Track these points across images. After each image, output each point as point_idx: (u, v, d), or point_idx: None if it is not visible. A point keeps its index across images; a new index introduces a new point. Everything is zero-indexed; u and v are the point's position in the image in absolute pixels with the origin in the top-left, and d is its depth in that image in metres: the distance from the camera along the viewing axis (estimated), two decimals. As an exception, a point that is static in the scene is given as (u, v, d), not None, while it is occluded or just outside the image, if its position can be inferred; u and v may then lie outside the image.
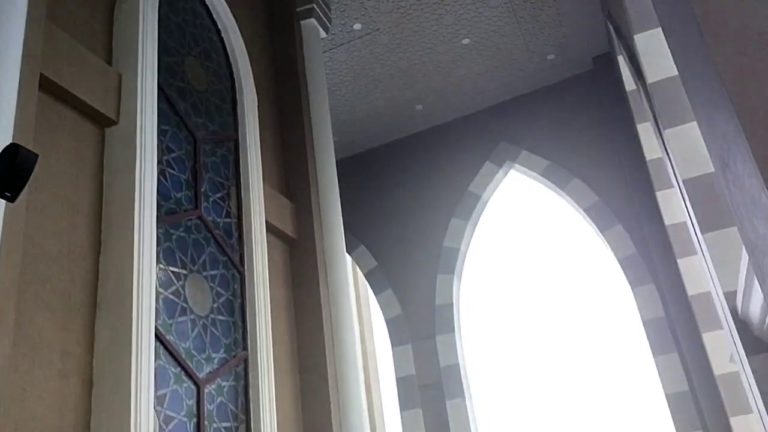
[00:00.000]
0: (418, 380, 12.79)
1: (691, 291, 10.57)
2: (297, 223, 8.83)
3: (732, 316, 6.38)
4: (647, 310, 11.49)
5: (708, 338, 10.28)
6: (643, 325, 11.48)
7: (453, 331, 12.89)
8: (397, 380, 13.02)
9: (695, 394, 10.69)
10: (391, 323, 13.35)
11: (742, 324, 6.29)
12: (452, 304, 13.08)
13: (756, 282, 5.35)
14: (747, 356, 6.20)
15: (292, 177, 9.20)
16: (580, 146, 12.89)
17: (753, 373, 6.13)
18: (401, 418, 12.72)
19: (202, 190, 6.98)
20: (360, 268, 14.06)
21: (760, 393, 6.03)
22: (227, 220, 7.28)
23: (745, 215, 2.61)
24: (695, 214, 6.75)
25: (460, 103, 13.64)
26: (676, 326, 11.09)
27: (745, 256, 5.29)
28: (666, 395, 11.04)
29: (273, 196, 8.46)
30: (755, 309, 5.74)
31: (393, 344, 13.25)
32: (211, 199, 7.12)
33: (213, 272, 6.75)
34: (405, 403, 12.73)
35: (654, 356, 11.28)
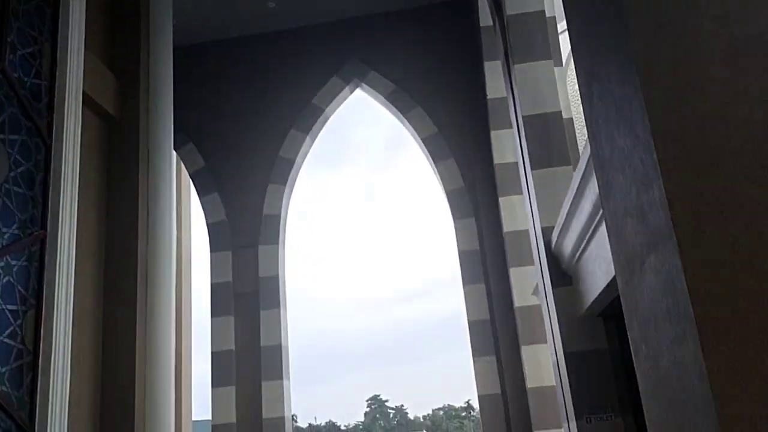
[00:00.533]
0: (235, 288, 12.49)
1: (507, 228, 11.20)
2: (120, 102, 7.94)
3: (545, 250, 6.77)
4: (464, 242, 12.04)
5: (514, 272, 11.01)
6: (459, 256, 12.04)
7: (277, 242, 12.65)
8: (213, 286, 12.61)
9: (494, 323, 11.49)
10: (213, 228, 12.80)
11: (554, 258, 6.70)
12: (280, 215, 12.80)
13: (575, 218, 5.64)
14: (553, 288, 6.64)
15: (120, 49, 8.21)
16: (428, 76, 12.92)
17: (555, 303, 6.59)
18: (212, 324, 12.39)
19: (9, 39, 5.94)
20: (186, 166, 13.22)
21: (558, 320, 6.51)
22: (36, 81, 6.29)
23: (604, 129, 2.56)
24: (529, 150, 6.99)
25: (315, 8, 13.01)
26: (487, 259, 11.75)
27: (571, 192, 5.53)
28: (469, 322, 11.76)
29: (95, 66, 7.49)
30: (569, 243, 6.10)
31: (213, 249, 12.75)
32: (19, 52, 6.09)
33: (12, 137, 5.84)
34: (218, 310, 12.40)
35: (464, 285, 11.92)
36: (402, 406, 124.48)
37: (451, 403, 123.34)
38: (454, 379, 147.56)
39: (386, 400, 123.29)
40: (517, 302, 10.85)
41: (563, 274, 6.62)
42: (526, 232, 11.05)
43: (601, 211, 5.11)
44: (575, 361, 6.36)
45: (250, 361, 12.05)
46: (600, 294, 5.68)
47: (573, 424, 6.33)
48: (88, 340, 7.33)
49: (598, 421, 6.17)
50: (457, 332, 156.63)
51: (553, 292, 6.62)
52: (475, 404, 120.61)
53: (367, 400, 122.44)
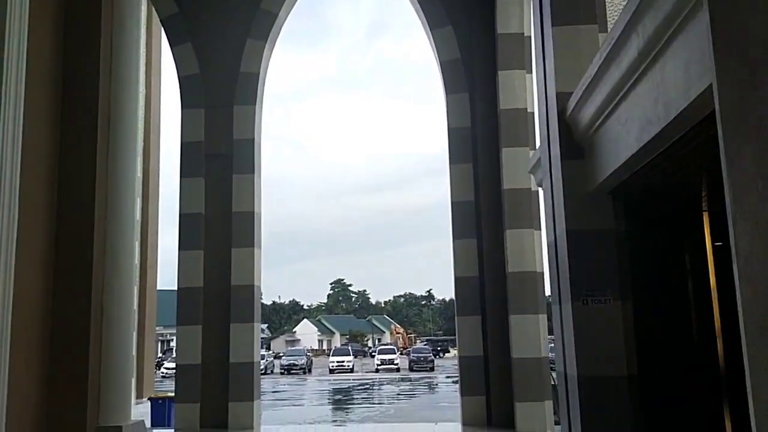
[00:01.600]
0: (206, 148, 11.70)
1: (503, 105, 10.47)
2: None
3: (558, 119, 6.11)
4: (456, 118, 11.31)
5: (506, 153, 10.41)
6: (448, 133, 11.36)
7: (254, 103, 11.76)
8: (183, 145, 11.79)
9: (478, 205, 11.01)
10: (185, 82, 11.79)
11: (566, 128, 6.05)
12: (259, 74, 11.82)
13: (607, 76, 4.94)
14: (562, 161, 6.04)
15: None
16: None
17: (563, 178, 6.01)
18: (181, 185, 11.69)
19: None
20: (157, 11, 11.98)
21: (564, 196, 5.96)
22: None
23: None
24: (551, 3, 6.16)
25: None
26: (478, 139, 11.10)
27: (606, 45, 4.80)
28: (452, 203, 11.26)
29: None
30: (591, 109, 5.44)
31: (184, 105, 11.81)
32: None
33: None
34: (188, 170, 11.66)
35: (450, 164, 11.32)
36: (365, 291, 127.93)
37: (412, 291, 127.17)
38: (417, 269, 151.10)
39: (350, 285, 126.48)
40: (506, 184, 10.33)
41: (576, 146, 6.00)
42: (524, 110, 10.35)
43: (643, 65, 4.42)
44: (577, 240, 5.87)
45: (221, 226, 11.48)
46: (620, 167, 5.10)
47: (567, 306, 5.94)
48: (40, 186, 6.61)
49: (595, 303, 5.77)
50: (424, 224, 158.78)
51: (562, 166, 6.03)
52: (437, 294, 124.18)
53: (330, 284, 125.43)
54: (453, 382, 33.30)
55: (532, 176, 9.26)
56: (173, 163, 12.63)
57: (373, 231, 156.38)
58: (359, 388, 30.93)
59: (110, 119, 6.97)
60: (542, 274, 10.27)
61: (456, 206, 11.25)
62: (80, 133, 6.79)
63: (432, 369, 45.06)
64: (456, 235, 11.21)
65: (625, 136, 4.86)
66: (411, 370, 44.96)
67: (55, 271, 6.44)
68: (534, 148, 10.35)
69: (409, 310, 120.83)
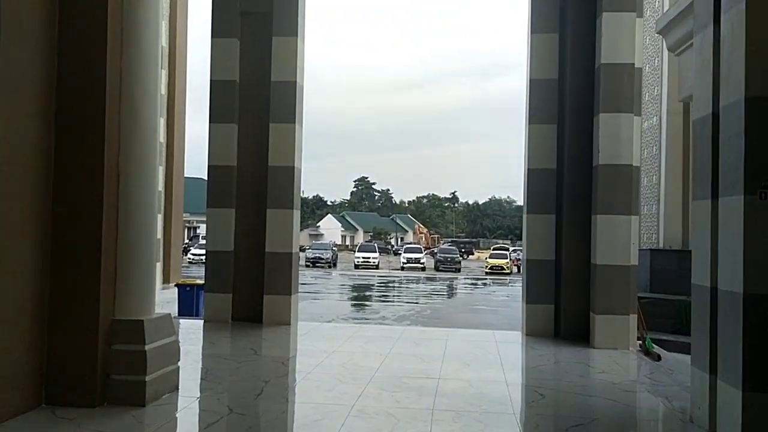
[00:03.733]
0: (242, 4, 9.96)
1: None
2: None
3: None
4: (541, -22, 9.34)
5: (607, 19, 8.56)
6: (531, -4, 9.45)
7: (299, -49, 9.85)
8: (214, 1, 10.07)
9: (563, 84, 9.28)
10: None
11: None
12: None
13: None
14: (749, -3, 4.32)
15: None
16: None
17: (747, 22, 4.32)
18: (212, 46, 10.04)
19: None
20: None
21: (746, 50, 4.29)
22: None
23: None
24: None
25: None
26: (569, 1, 9.22)
27: None
28: (530, 81, 9.54)
29: None
30: None
31: (216, -49, 9.95)
32: None
33: None
34: (220, 29, 9.97)
35: (531, 33, 9.52)
36: (388, 190, 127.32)
37: (435, 193, 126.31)
38: (442, 172, 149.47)
39: (373, 183, 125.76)
40: (604, 57, 8.53)
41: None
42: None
43: None
44: (761, 111, 4.26)
45: (258, 97, 9.91)
46: None
47: (730, 200, 4.41)
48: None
49: (778, 198, 4.22)
50: (452, 126, 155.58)
51: (747, 4, 4.31)
52: (461, 197, 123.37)
53: (354, 181, 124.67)
54: (490, 284, 32.52)
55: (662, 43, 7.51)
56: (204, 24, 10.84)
57: (400, 130, 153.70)
58: (388, 285, 30.23)
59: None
60: (638, 168, 8.67)
61: (535, 85, 9.53)
62: None
63: (458, 270, 44.42)
64: (532, 119, 9.55)
65: None
66: (437, 270, 44.35)
67: (56, 122, 4.99)
68: (644, 16, 8.50)
69: (432, 211, 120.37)
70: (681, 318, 10.61)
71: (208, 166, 10.05)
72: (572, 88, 9.13)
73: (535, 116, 9.54)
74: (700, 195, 5.04)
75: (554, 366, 7.27)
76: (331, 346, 8.06)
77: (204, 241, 14.03)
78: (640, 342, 8.53)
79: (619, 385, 6.36)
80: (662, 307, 8.52)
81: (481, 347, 8.45)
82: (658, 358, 8.04)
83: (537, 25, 9.51)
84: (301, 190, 10.50)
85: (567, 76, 9.22)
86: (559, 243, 9.32)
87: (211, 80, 10.09)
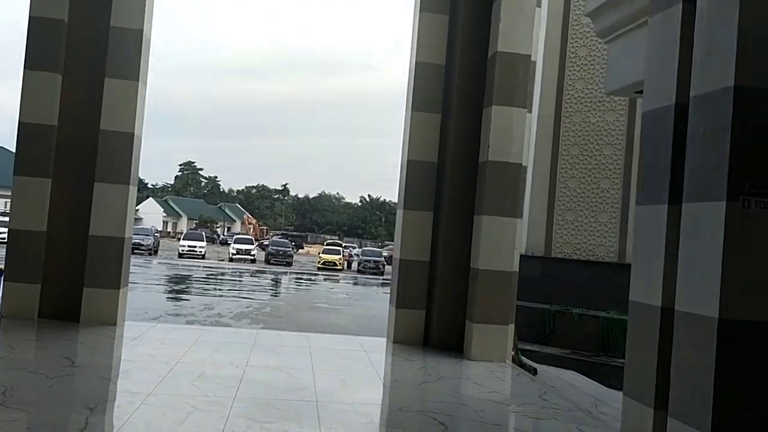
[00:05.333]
0: (79, -74, 7.99)
1: (514, -62, 7.80)
2: None
3: None
4: (435, -48, 8.49)
5: (506, 3, 7.89)
6: (423, -30, 8.55)
7: None
8: None
9: (451, 71, 8.49)
10: None
11: None
12: None
13: None
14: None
15: None
16: None
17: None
18: (34, -27, 7.96)
19: None
20: None
21: (739, 29, 3.62)
22: None
23: None
24: None
25: None
26: (462, -16, 8.43)
27: None
28: (416, 64, 8.65)
29: None
30: None
31: None
32: None
33: None
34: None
35: (420, 12, 8.63)
36: (216, 177, 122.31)
37: (265, 184, 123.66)
38: (273, 163, 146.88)
39: (201, 169, 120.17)
40: (501, 45, 7.83)
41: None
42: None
43: None
44: (749, 103, 3.62)
45: (91, 44, 8.03)
46: None
47: (707, 206, 3.73)
48: None
49: (761, 208, 3.60)
50: (287, 119, 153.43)
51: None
52: (292, 189, 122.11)
53: (180, 165, 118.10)
54: (325, 279, 31.54)
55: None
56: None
57: (231, 117, 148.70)
58: (218, 277, 28.20)
59: None
60: (526, 169, 8.10)
61: (420, 69, 8.65)
62: None
63: (290, 264, 43.16)
64: (415, 106, 8.67)
65: None
66: (267, 263, 42.74)
67: None
68: None
69: (261, 203, 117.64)
70: (545, 327, 10.40)
71: (19, 123, 7.97)
72: (461, 75, 8.37)
73: (418, 103, 8.66)
74: (651, 199, 4.36)
75: (440, 383, 6.38)
76: (173, 355, 6.55)
77: (6, 218, 11.60)
78: (513, 353, 7.98)
79: (520, 411, 5.61)
80: (527, 316, 8.08)
81: (351, 357, 7.39)
82: (535, 371, 7.53)
83: (426, 3, 8.65)
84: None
85: (456, 63, 8.43)
86: (435, 243, 8.53)
87: (29, 16, 8.02)
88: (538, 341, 10.40)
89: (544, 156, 11.51)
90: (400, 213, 8.81)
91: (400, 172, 8.91)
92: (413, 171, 8.64)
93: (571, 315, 10.40)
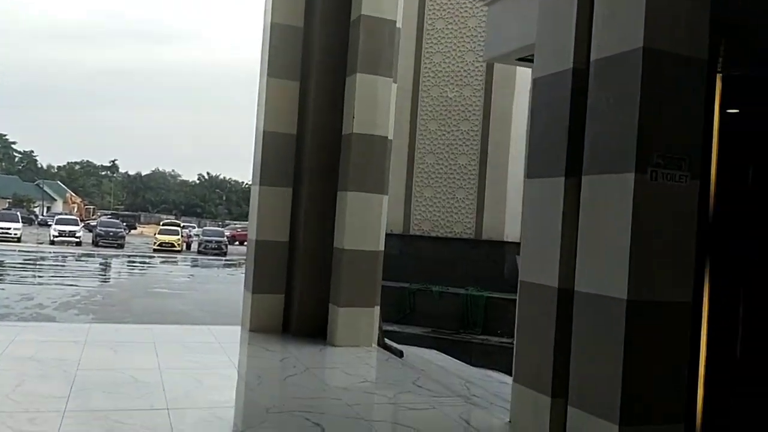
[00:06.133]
0: None
1: None
2: None
3: None
4: None
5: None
6: None
7: None
8: None
9: (310, 36, 7.82)
10: None
11: None
12: None
13: None
14: None
15: None
16: None
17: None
18: None
19: None
20: None
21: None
22: None
23: None
24: None
25: None
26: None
27: None
28: (271, 25, 7.89)
29: None
30: None
31: None
32: None
33: None
34: None
35: (275, -31, 7.83)
36: (32, 151, 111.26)
37: (91, 160, 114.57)
38: (99, 137, 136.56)
39: (14, 142, 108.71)
40: (365, 9, 7.29)
41: None
42: None
43: None
44: (658, 67, 3.38)
45: None
46: None
47: (613, 179, 3.47)
48: None
49: (667, 180, 3.40)
50: (117, 90, 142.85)
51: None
52: (121, 166, 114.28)
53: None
54: (162, 262, 29.47)
55: None
56: None
57: (50, 86, 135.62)
58: (37, 262, 25.36)
59: None
60: (392, 142, 7.66)
61: (276, 31, 7.89)
62: None
63: (122, 246, 40.15)
64: (271, 72, 7.91)
65: None
66: (96, 245, 39.42)
67: None
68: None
69: (86, 180, 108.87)
70: (405, 306, 10.16)
71: None
72: (322, 40, 7.73)
73: (274, 68, 7.90)
74: (544, 171, 4.06)
75: (307, 376, 5.80)
76: (-19, 361, 5.38)
77: None
78: (378, 336, 7.61)
79: (398, 402, 5.20)
80: (386, 296, 7.76)
81: (203, 351, 6.59)
82: (401, 354, 7.22)
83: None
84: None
85: (316, 25, 7.78)
86: (295, 222, 7.89)
87: None
88: (399, 321, 10.16)
89: (402, 131, 11.23)
90: (255, 190, 8.05)
91: (255, 144, 8.14)
92: (270, 143, 7.90)
93: (431, 293, 10.26)
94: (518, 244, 10.69)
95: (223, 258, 37.35)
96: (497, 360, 9.18)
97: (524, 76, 11.00)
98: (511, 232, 10.70)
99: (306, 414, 4.60)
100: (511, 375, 8.67)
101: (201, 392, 5.07)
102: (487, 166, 10.72)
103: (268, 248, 7.87)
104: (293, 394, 5.13)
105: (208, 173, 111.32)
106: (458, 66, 11.10)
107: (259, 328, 7.72)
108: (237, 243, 49.52)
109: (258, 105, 8.14)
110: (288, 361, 6.32)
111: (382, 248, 7.54)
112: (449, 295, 10.05)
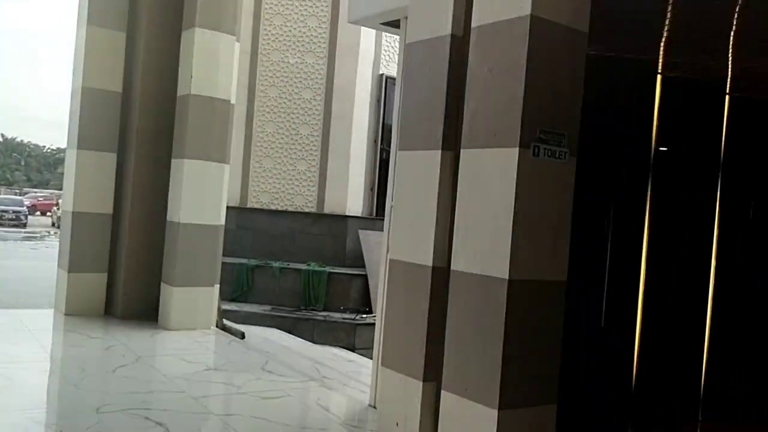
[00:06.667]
0: None
1: None
2: None
3: None
4: None
5: None
6: None
7: None
8: None
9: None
10: None
11: None
12: None
13: None
14: None
15: None
16: None
17: None
18: None
19: None
20: None
21: None
22: None
23: None
24: None
25: None
26: None
27: None
28: (90, -35, 6.84)
29: None
30: None
31: None
32: None
33: None
34: None
35: None
36: None
37: None
38: None
39: None
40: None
41: None
42: None
43: None
44: (544, 30, 3.24)
45: None
46: None
47: (494, 153, 3.31)
48: None
49: (547, 156, 3.30)
50: None
51: None
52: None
53: None
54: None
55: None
56: None
57: None
58: None
59: None
60: (234, 107, 7.03)
61: (98, -27, 6.89)
62: None
63: None
64: (91, 20, 6.91)
65: None
66: None
67: None
68: None
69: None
70: (243, 284, 9.54)
71: None
72: None
73: (95, 16, 6.92)
74: (418, 144, 3.82)
75: (140, 366, 5.15)
76: None
77: None
78: (216, 318, 7.07)
79: (249, 392, 4.75)
80: (223, 272, 7.23)
81: (12, 341, 5.65)
82: (242, 335, 6.76)
83: None
84: None
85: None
86: (120, 192, 7.03)
87: None
88: (237, 299, 9.58)
89: (240, 96, 10.45)
90: (71, 154, 7.05)
91: (72, 102, 7.11)
92: (90, 101, 6.93)
93: (271, 269, 9.77)
94: (361, 219, 10.63)
95: (23, 230, 33.55)
96: (340, 337, 8.98)
97: (368, 45, 10.76)
98: (354, 205, 10.49)
99: (145, 412, 4.04)
100: (354, 351, 8.51)
101: (11, 391, 4.27)
102: (330, 138, 10.39)
103: (88, 221, 6.95)
104: (126, 389, 4.49)
105: (2, 135, 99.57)
106: (300, 31, 10.57)
107: (76, 311, 6.83)
108: (39, 213, 44.83)
109: (75, 57, 7.11)
110: (115, 349, 5.60)
111: (223, 222, 6.96)
112: (289, 270, 9.65)
